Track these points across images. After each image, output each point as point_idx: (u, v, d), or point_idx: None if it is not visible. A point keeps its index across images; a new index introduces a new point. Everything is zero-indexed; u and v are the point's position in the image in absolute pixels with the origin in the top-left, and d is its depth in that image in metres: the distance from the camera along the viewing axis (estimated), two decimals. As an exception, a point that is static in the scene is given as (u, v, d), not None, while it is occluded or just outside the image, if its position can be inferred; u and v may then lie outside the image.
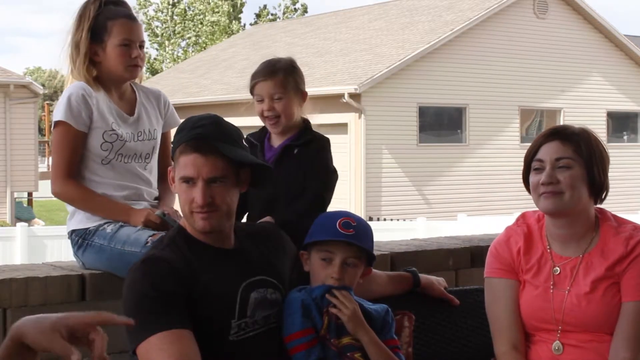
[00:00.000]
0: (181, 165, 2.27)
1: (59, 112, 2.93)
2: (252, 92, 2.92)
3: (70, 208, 3.07)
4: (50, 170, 3.04)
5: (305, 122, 2.95)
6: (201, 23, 40.29)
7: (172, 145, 2.40)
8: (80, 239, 3.00)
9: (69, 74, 3.04)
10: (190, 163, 2.24)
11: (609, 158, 2.67)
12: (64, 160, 2.95)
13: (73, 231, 3.04)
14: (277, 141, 2.91)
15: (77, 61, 2.97)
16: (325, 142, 2.93)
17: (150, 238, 2.72)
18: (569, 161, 2.58)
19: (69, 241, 3.08)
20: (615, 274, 2.56)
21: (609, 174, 2.67)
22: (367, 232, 2.45)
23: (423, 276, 2.87)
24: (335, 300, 2.34)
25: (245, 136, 2.85)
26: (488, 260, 2.75)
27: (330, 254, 2.38)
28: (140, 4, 41.31)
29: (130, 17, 3.02)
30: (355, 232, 2.39)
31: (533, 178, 2.63)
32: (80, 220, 3.01)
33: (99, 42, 2.97)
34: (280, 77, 2.86)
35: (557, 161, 2.58)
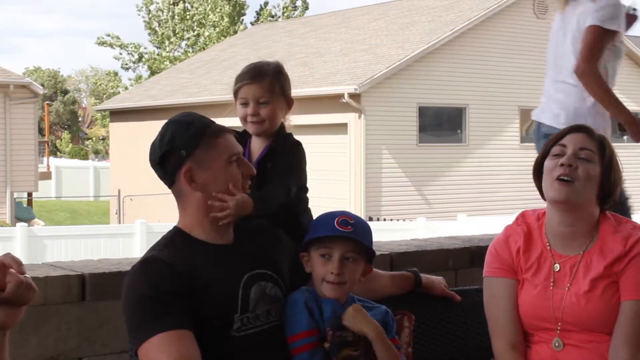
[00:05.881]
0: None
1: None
2: (235, 94, 2.79)
3: None
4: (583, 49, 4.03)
5: (281, 127, 2.82)
6: (201, 23, 40.17)
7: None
8: None
9: None
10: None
11: (622, 175, 2.70)
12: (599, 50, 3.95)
13: None
14: (255, 152, 2.79)
15: None
16: (294, 145, 2.78)
17: None
18: (591, 154, 2.59)
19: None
20: (614, 273, 2.55)
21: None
22: (365, 230, 2.45)
23: (424, 276, 2.87)
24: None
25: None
26: (487, 259, 2.74)
27: (329, 249, 2.39)
28: (145, 2, 41.22)
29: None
30: (354, 229, 2.40)
31: (550, 162, 2.62)
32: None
33: None
34: (267, 81, 2.75)
35: (580, 150, 2.60)
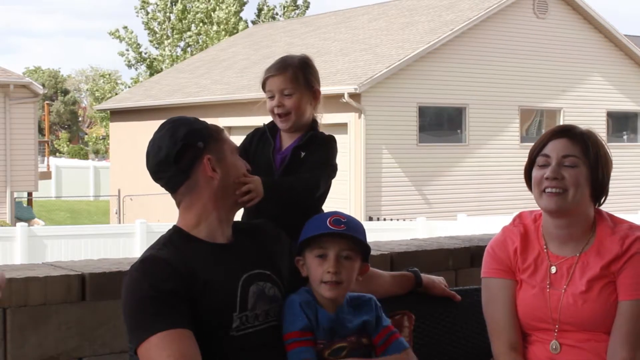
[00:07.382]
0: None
1: None
2: (264, 88, 2.84)
3: None
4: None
5: (314, 122, 2.86)
6: (202, 22, 39.95)
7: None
8: None
9: None
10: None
11: (612, 162, 2.67)
12: None
13: None
14: (286, 141, 2.83)
15: None
16: (329, 140, 2.85)
17: None
18: (576, 160, 2.57)
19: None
20: (610, 273, 2.55)
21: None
22: (358, 228, 2.45)
23: (424, 276, 2.88)
24: None
25: (263, 124, 2.86)
26: (485, 260, 2.75)
27: (324, 249, 2.39)
28: (142, 3, 41.04)
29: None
30: (347, 227, 2.41)
31: (536, 173, 2.62)
32: None
33: None
34: (290, 72, 2.78)
35: (563, 158, 2.58)
